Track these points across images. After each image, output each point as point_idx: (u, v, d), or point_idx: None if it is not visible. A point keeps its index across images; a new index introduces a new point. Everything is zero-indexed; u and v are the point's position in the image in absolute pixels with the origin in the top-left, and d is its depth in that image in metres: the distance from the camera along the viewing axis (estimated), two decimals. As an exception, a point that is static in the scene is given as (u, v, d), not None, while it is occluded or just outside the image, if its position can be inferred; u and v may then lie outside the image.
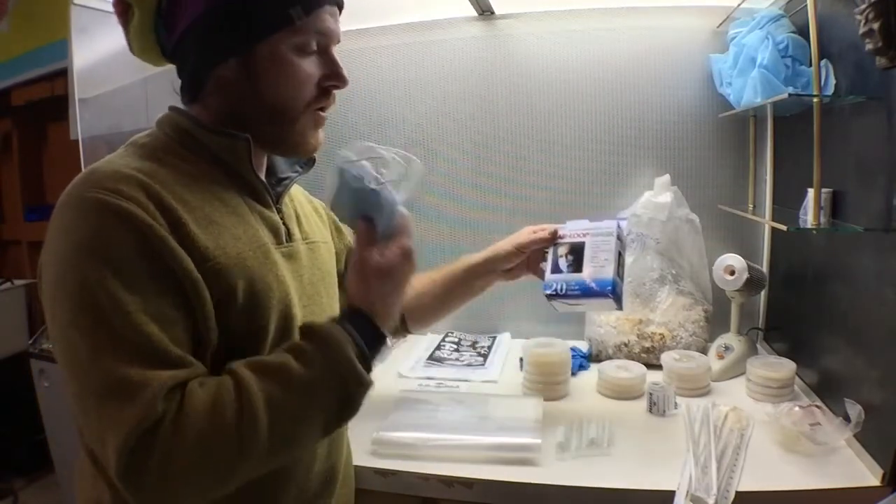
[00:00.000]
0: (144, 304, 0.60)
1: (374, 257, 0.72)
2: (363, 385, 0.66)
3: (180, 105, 0.75)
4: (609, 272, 0.95)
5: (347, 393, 0.66)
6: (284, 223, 0.79)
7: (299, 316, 0.76)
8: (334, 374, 0.65)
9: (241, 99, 0.71)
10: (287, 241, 0.79)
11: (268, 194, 0.77)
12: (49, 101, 2.50)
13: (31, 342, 2.16)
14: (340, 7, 0.76)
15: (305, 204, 0.93)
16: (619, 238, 1.00)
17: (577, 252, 1.00)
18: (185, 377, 0.60)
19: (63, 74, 1.81)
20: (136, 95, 1.39)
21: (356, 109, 1.69)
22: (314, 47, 0.71)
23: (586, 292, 0.96)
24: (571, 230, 1.03)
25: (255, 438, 0.59)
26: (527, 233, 1.05)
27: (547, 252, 1.04)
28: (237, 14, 0.67)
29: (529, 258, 1.06)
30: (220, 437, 0.58)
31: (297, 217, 0.85)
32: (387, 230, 0.74)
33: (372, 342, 0.69)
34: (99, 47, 1.32)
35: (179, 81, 0.75)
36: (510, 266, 1.06)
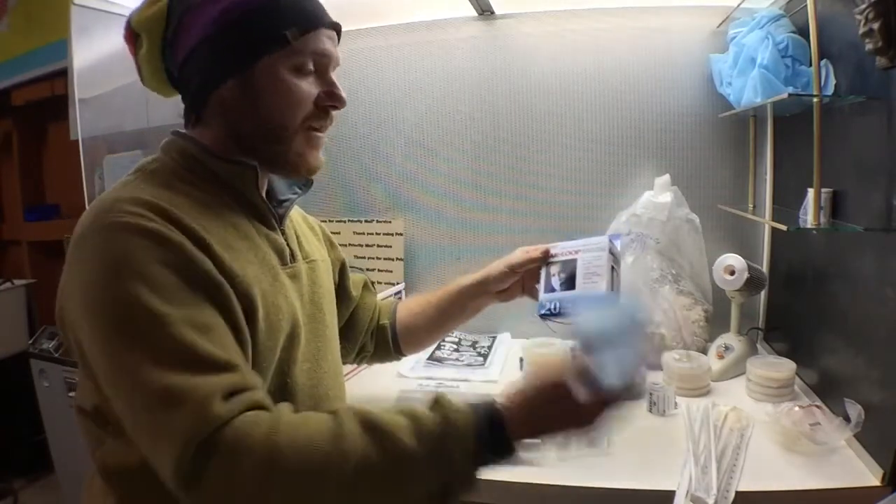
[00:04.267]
0: (182, 313, 0.60)
1: (587, 399, 0.64)
2: (467, 486, 0.62)
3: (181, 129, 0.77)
4: (601, 287, 0.94)
5: (446, 486, 0.61)
6: (288, 244, 0.81)
7: (303, 332, 0.78)
8: (444, 459, 0.60)
9: (241, 119, 0.73)
10: (291, 262, 0.80)
11: (272, 217, 0.79)
12: (49, 101, 2.49)
13: (31, 342, 2.15)
14: (338, 32, 0.77)
15: (302, 223, 0.94)
16: (611, 253, 0.98)
17: (569, 270, 0.99)
18: (238, 381, 0.60)
19: (63, 74, 1.81)
20: (136, 95, 1.39)
21: (356, 109, 1.68)
22: (311, 68, 0.73)
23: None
24: (563, 248, 1.02)
25: (332, 490, 0.58)
26: (519, 253, 1.05)
27: (540, 272, 1.03)
28: (236, 37, 0.70)
29: (523, 278, 1.06)
30: (298, 474, 0.57)
31: (298, 237, 0.87)
32: (621, 380, 0.64)
33: (497, 452, 0.63)
34: (99, 47, 1.32)
35: (183, 107, 0.77)
36: (504, 287, 1.06)
